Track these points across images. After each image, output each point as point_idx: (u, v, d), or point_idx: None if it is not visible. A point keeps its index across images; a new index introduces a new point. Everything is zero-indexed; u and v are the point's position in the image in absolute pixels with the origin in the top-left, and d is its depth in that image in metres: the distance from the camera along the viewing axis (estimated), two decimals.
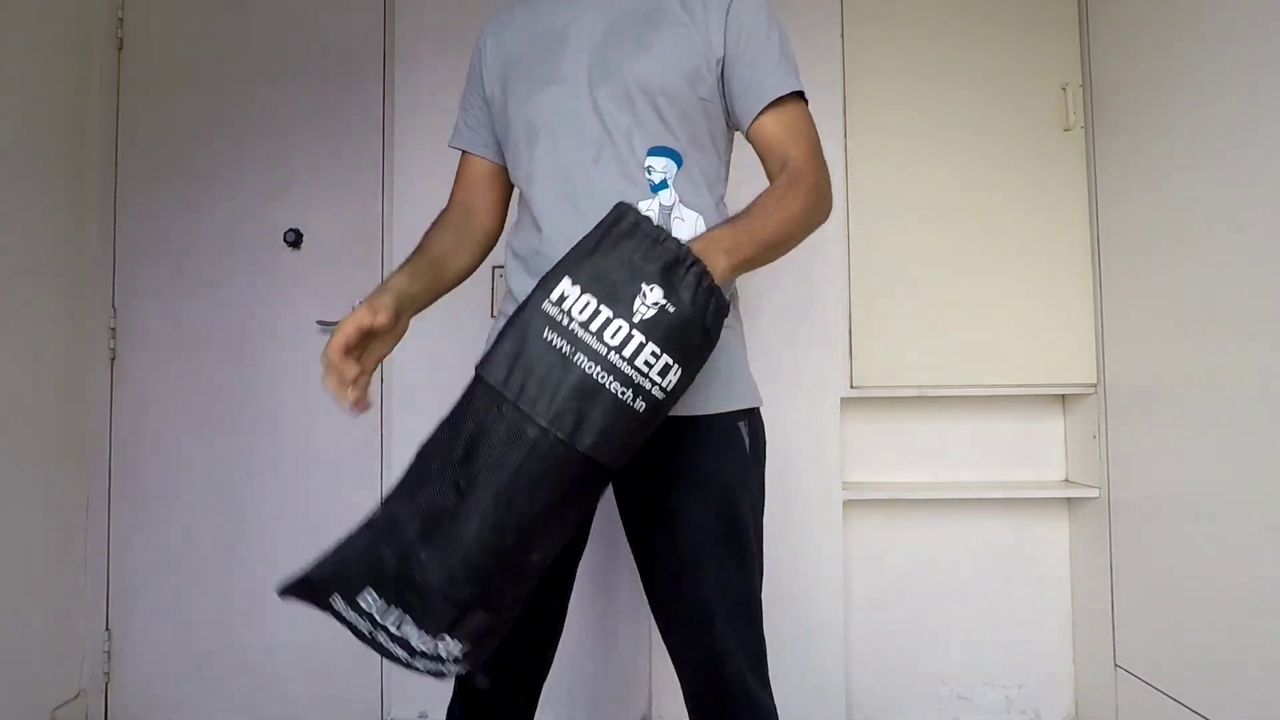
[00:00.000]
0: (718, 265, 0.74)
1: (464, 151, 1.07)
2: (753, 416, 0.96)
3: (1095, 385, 1.69)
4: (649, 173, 0.91)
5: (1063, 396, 1.81)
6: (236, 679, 1.80)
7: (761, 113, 0.93)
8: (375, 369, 0.86)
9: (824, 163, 0.94)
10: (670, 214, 0.91)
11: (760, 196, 0.86)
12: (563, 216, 0.91)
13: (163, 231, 1.86)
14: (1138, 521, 1.55)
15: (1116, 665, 1.61)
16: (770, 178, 0.93)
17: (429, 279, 0.94)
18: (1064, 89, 1.73)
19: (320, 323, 1.81)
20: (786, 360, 1.71)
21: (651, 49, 0.91)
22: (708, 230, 0.83)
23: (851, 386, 1.72)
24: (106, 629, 1.82)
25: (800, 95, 0.95)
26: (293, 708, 1.79)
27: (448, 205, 1.06)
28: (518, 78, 0.97)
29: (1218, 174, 1.32)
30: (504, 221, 1.08)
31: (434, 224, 1.03)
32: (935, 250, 1.74)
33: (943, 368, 1.72)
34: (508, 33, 1.00)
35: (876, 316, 1.73)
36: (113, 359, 1.86)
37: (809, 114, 0.96)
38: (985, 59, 1.75)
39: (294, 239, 1.83)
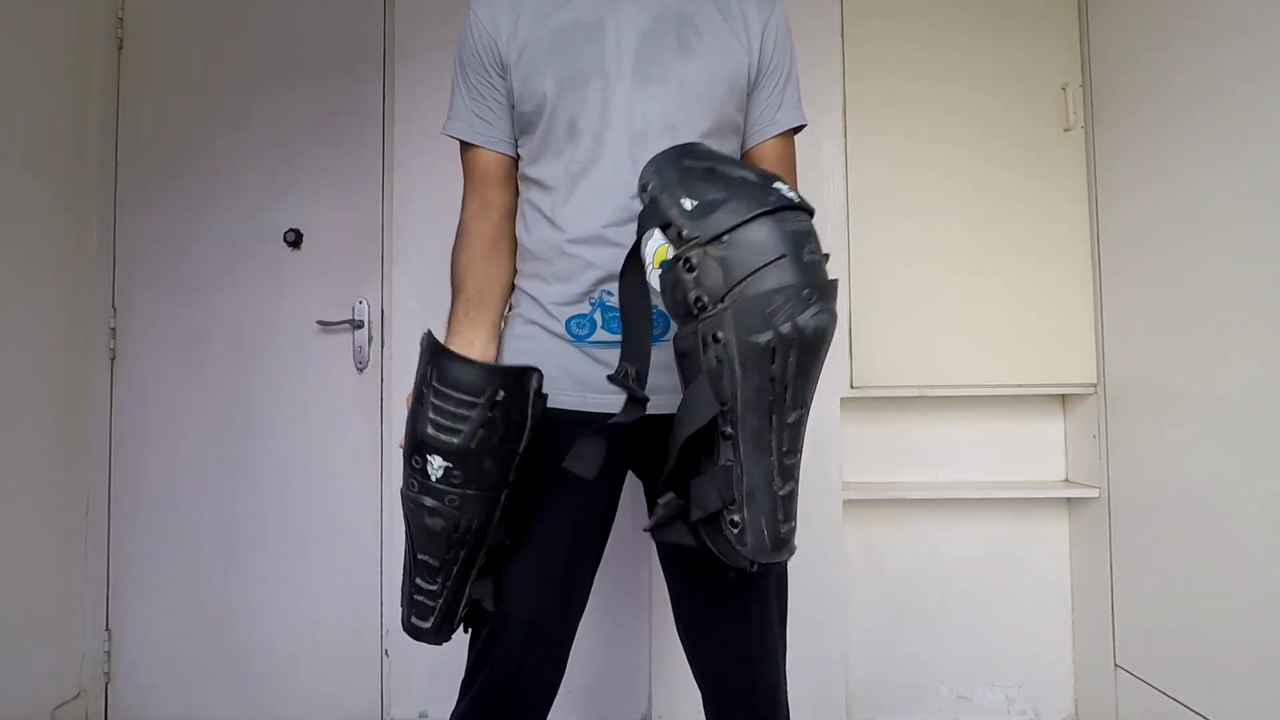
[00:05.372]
0: None
1: (474, 146, 0.98)
2: None
3: (1095, 385, 1.69)
4: None
5: (1063, 396, 1.81)
6: (236, 679, 1.80)
7: (770, 138, 0.98)
8: None
9: None
10: None
11: None
12: (592, 216, 0.90)
13: (163, 232, 1.86)
14: (1138, 521, 1.55)
15: (1116, 665, 1.60)
16: None
17: (493, 322, 0.96)
18: (1064, 89, 1.73)
19: (320, 322, 1.82)
20: None
21: (696, 54, 0.91)
22: None
23: (851, 386, 1.72)
24: (106, 629, 1.82)
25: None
26: (293, 708, 1.79)
27: (465, 217, 0.99)
28: (549, 69, 0.91)
29: (1218, 174, 1.32)
30: (515, 222, 1.01)
31: (458, 246, 0.97)
32: (935, 250, 1.74)
33: (943, 368, 1.72)
34: (524, 18, 0.93)
35: (876, 316, 1.73)
36: (113, 359, 1.86)
37: (794, 146, 1.04)
38: (985, 59, 1.75)
39: (294, 239, 1.83)
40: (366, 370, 1.82)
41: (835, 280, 0.67)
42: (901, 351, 1.72)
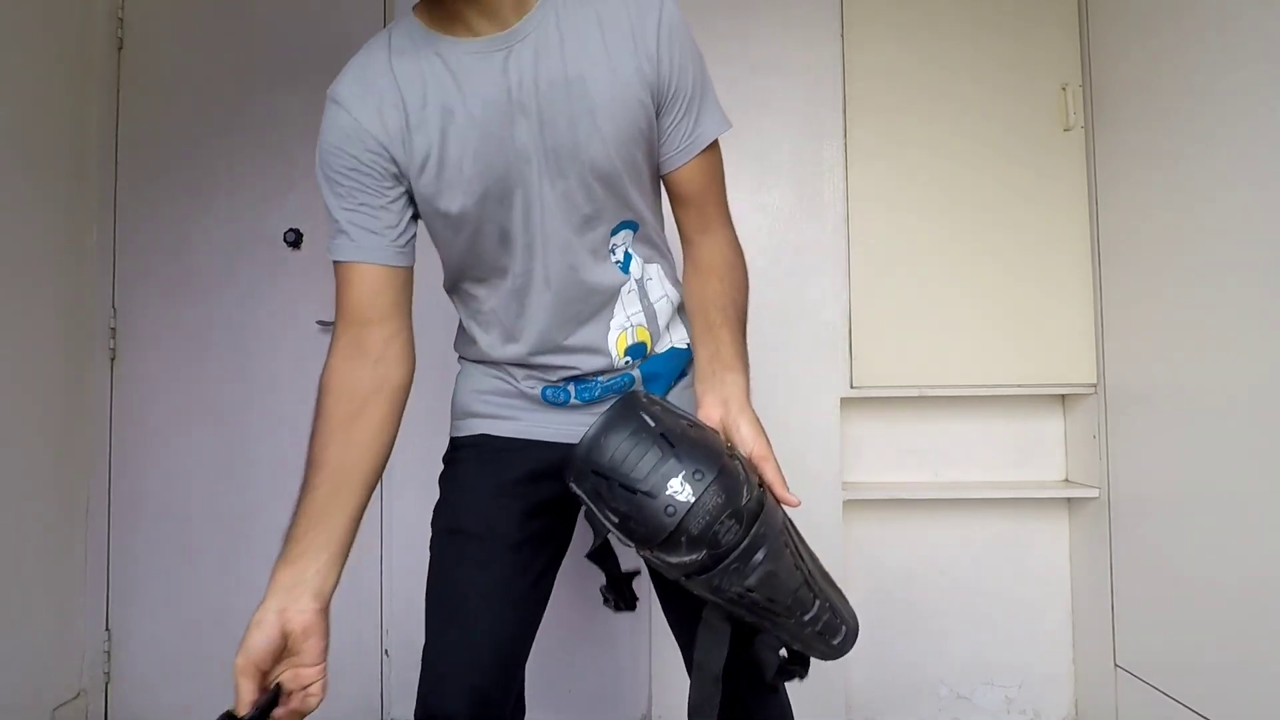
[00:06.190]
0: (747, 411, 0.79)
1: (351, 264, 0.80)
2: None
3: (1095, 385, 1.69)
4: (612, 252, 0.87)
5: (1063, 396, 1.81)
6: None
7: (689, 160, 0.86)
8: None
9: (730, 216, 0.91)
10: (644, 283, 0.90)
11: (719, 300, 0.85)
12: (545, 332, 0.87)
13: (163, 231, 1.86)
14: (1138, 521, 1.55)
15: (1116, 665, 1.60)
16: (683, 225, 0.90)
17: (343, 534, 0.81)
18: (1064, 89, 1.73)
19: (320, 323, 1.81)
20: (787, 360, 1.71)
21: (599, 127, 0.79)
22: (718, 387, 0.80)
23: (851, 386, 1.72)
24: (106, 629, 1.82)
25: None
26: None
27: (329, 365, 0.80)
28: (463, 186, 0.80)
29: (1218, 173, 1.32)
30: (412, 356, 0.86)
31: (316, 414, 0.80)
32: (935, 250, 1.74)
33: (943, 368, 1.72)
34: (414, 112, 0.79)
35: (876, 316, 1.73)
36: (113, 359, 1.86)
37: (719, 148, 0.90)
38: (985, 59, 1.75)
39: (294, 239, 1.83)
40: None
41: (758, 530, 0.69)
42: (901, 351, 1.72)
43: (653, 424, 0.70)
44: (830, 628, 0.75)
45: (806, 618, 0.72)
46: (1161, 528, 1.47)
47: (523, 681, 0.94)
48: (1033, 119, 1.74)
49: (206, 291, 1.85)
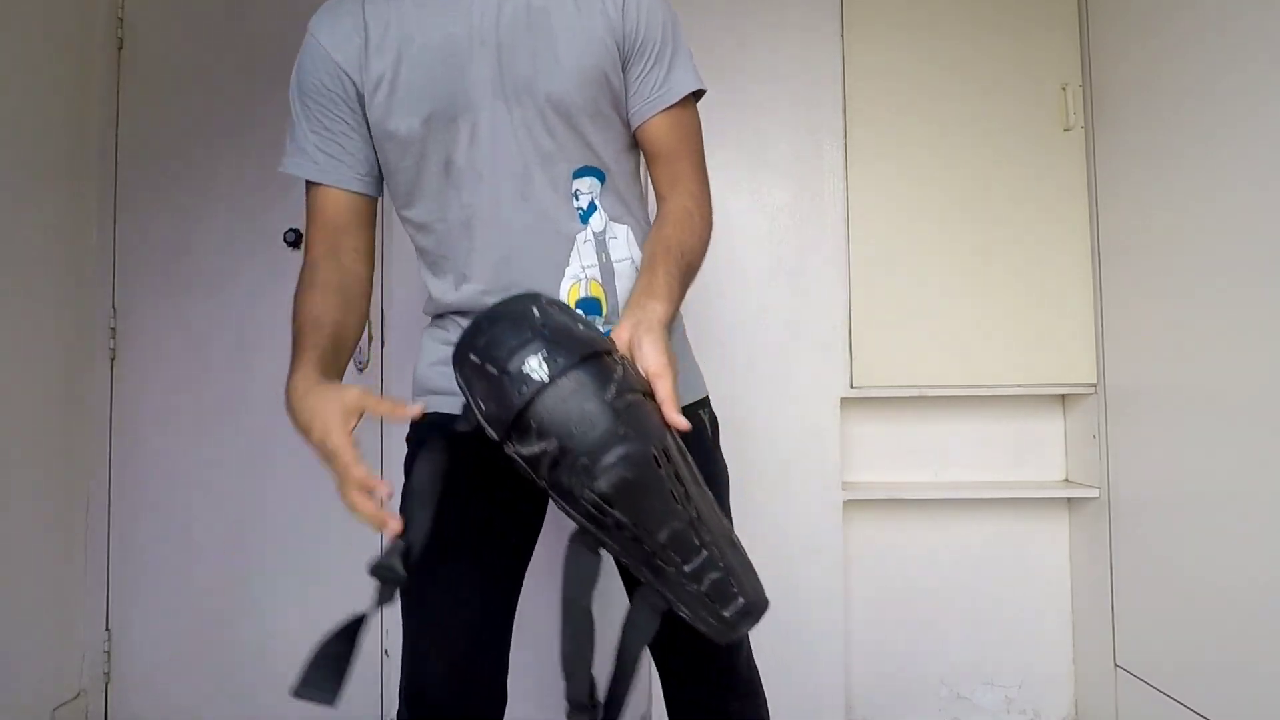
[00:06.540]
0: (655, 330, 0.73)
1: (318, 185, 0.90)
2: (707, 405, 0.96)
3: (1095, 385, 1.69)
4: (576, 198, 0.87)
5: (1063, 396, 1.81)
6: (236, 679, 1.79)
7: (658, 112, 0.88)
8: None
9: (706, 174, 0.92)
10: (605, 238, 0.89)
11: (666, 241, 0.83)
12: (500, 266, 0.86)
13: (163, 231, 1.86)
14: (1138, 521, 1.55)
15: (1116, 665, 1.60)
16: (656, 183, 0.91)
17: (338, 363, 0.85)
18: (1064, 89, 1.73)
19: None
20: (786, 360, 1.71)
21: (559, 59, 0.83)
22: (636, 312, 0.75)
23: (851, 386, 1.72)
24: (106, 629, 1.82)
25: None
26: (292, 708, 1.78)
27: (310, 259, 0.91)
28: (410, 108, 0.84)
29: (1218, 173, 1.32)
30: (374, 267, 0.95)
31: (305, 287, 0.90)
32: (935, 250, 1.74)
33: (943, 368, 1.72)
34: (374, 43, 0.86)
35: (876, 316, 1.73)
36: (113, 359, 1.86)
37: (697, 111, 0.91)
38: (985, 59, 1.75)
39: (294, 239, 1.83)
40: (366, 369, 1.82)
41: (616, 428, 0.63)
42: (901, 351, 1.72)
43: (536, 315, 0.68)
44: (720, 591, 0.66)
45: (688, 569, 0.66)
46: (1161, 528, 1.47)
47: (504, 667, 0.92)
48: (1033, 119, 1.73)
49: (207, 291, 1.85)
